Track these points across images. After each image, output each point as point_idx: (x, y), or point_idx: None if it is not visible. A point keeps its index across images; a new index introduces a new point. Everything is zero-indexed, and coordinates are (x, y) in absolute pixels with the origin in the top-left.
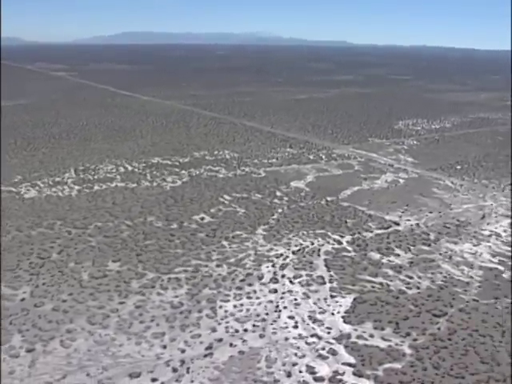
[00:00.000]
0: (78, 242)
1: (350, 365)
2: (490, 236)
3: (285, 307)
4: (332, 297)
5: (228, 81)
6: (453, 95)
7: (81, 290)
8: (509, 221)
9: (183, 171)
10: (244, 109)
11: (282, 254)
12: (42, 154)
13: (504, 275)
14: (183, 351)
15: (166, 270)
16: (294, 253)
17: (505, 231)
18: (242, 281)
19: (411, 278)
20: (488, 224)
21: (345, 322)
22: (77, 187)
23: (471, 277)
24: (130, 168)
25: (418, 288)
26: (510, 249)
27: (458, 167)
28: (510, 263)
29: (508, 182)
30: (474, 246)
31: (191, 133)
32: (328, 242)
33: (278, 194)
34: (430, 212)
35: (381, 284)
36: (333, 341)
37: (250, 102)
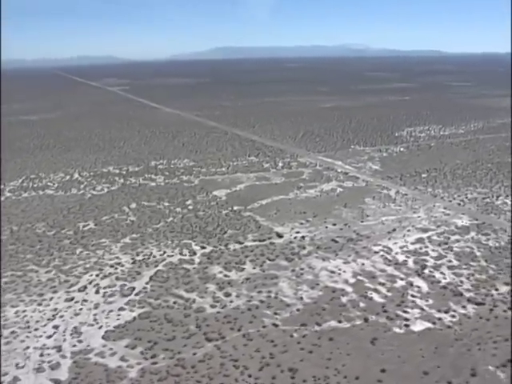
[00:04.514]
0: None
1: (56, 381)
2: (376, 252)
3: (61, 316)
4: (119, 309)
5: (266, 91)
6: (498, 100)
7: None
8: (418, 236)
9: (121, 180)
10: (251, 118)
11: (119, 263)
12: (13, 163)
13: (343, 298)
14: None
15: None
16: (134, 262)
17: (402, 247)
18: (52, 287)
19: (229, 295)
20: (389, 239)
21: (103, 337)
22: (8, 194)
23: (301, 298)
24: (75, 177)
25: (224, 307)
26: (385, 267)
27: (424, 175)
28: (368, 284)
29: (468, 191)
30: (346, 263)
31: (173, 143)
32: (181, 253)
33: (188, 202)
34: (334, 224)
35: (186, 300)
36: (68, 355)
37: (266, 111)
